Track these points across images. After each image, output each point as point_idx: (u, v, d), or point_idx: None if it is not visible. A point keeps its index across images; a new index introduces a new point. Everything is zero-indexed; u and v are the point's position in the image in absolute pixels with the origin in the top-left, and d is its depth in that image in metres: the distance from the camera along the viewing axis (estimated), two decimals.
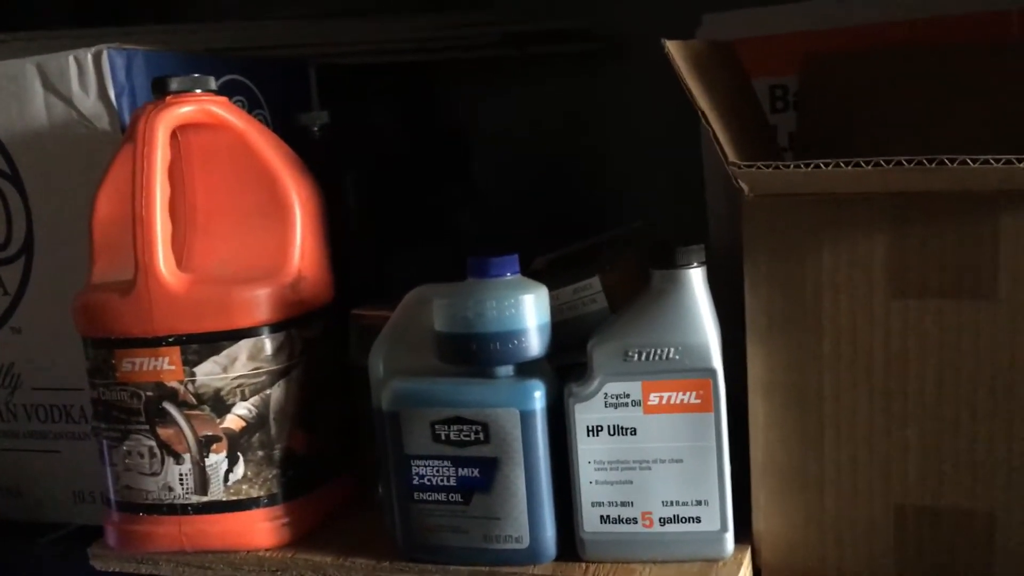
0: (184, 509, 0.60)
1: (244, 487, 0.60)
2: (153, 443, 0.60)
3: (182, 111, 0.61)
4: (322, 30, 0.91)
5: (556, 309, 0.58)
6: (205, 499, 0.60)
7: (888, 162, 0.47)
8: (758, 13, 0.74)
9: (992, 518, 0.52)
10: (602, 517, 0.55)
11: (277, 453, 0.61)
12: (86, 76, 0.66)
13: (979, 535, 0.52)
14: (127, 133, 0.62)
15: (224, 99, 0.63)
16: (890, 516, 0.54)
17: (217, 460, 0.60)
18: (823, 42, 0.71)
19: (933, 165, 0.47)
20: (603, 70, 0.98)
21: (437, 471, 0.56)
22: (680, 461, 0.54)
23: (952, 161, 0.46)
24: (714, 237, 0.74)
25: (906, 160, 0.47)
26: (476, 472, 0.55)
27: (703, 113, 0.52)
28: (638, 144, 0.96)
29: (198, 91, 0.62)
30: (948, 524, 0.53)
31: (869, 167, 0.48)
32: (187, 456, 0.60)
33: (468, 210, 0.95)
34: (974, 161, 0.46)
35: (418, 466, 0.56)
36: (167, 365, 0.59)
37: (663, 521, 0.55)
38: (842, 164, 0.48)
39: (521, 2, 0.97)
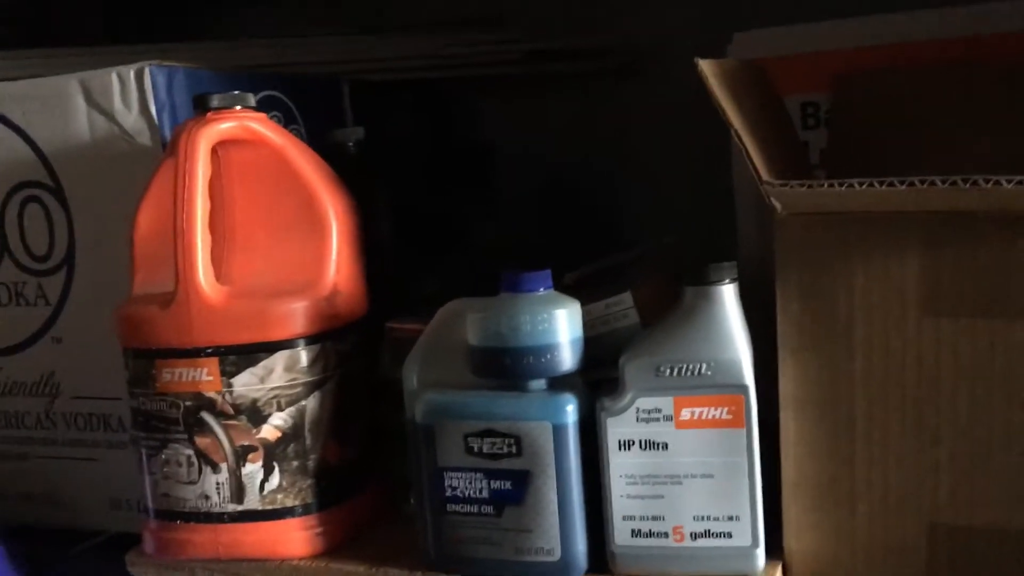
0: (220, 517, 0.61)
1: (279, 496, 0.61)
2: (191, 452, 0.61)
3: (222, 127, 0.62)
4: (353, 47, 0.92)
5: (588, 324, 0.58)
6: (241, 508, 0.61)
7: (922, 182, 0.48)
8: (789, 31, 0.75)
9: None
10: (633, 531, 0.56)
11: (312, 463, 0.62)
12: (128, 92, 0.68)
13: (1012, 555, 0.52)
14: (168, 148, 0.64)
15: (263, 115, 0.65)
16: (922, 535, 0.54)
17: (253, 470, 0.61)
18: (855, 60, 0.71)
19: (967, 185, 0.47)
20: (628, 87, 0.98)
21: (470, 483, 0.57)
22: (711, 476, 0.54)
23: (987, 182, 0.46)
24: (743, 254, 0.74)
25: (940, 180, 0.47)
26: (508, 484, 0.56)
27: (736, 131, 0.52)
28: (665, 160, 0.96)
29: (238, 107, 0.63)
30: (981, 543, 0.53)
31: (903, 187, 0.48)
32: (224, 465, 0.61)
33: (493, 225, 0.96)
34: (1008, 181, 0.46)
35: (451, 478, 0.57)
36: (205, 376, 0.60)
37: (694, 536, 0.55)
38: (876, 184, 0.49)
39: (546, 20, 0.98)
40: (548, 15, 0.98)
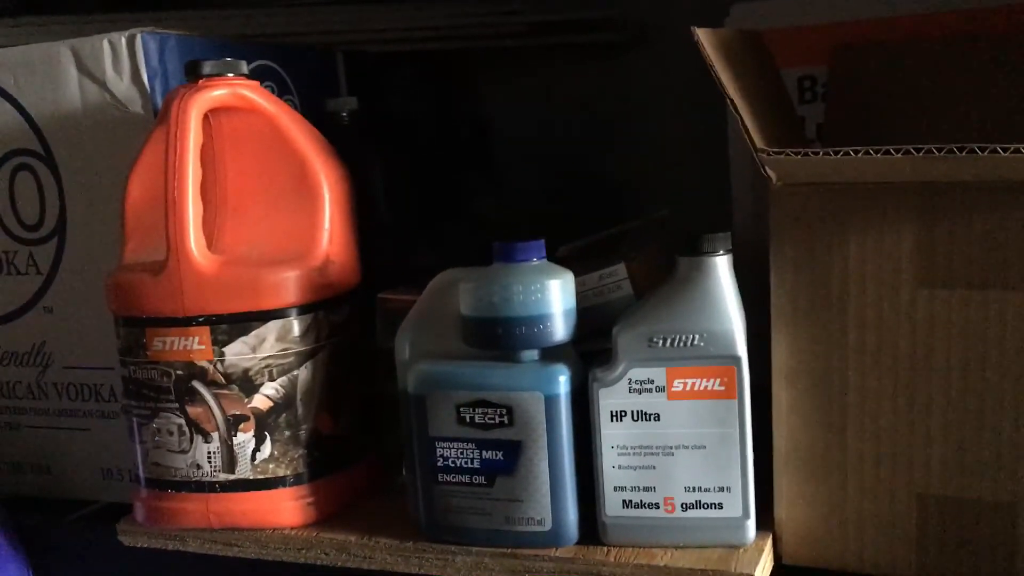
0: (212, 487, 0.61)
1: (271, 466, 0.61)
2: (182, 421, 0.61)
3: (215, 94, 0.61)
4: (350, 17, 0.91)
5: (581, 295, 0.58)
6: (232, 477, 0.61)
7: (918, 150, 0.47)
8: (787, 3, 0.74)
9: (1015, 510, 0.52)
10: (624, 502, 0.56)
11: (303, 433, 0.62)
12: (120, 59, 0.67)
13: (1002, 526, 0.52)
14: (160, 115, 0.63)
15: (255, 83, 0.64)
16: (912, 506, 0.54)
17: (245, 439, 0.61)
18: (853, 33, 0.70)
19: (964, 154, 0.47)
20: (628, 60, 0.98)
21: (461, 453, 0.57)
22: (703, 447, 0.54)
23: (983, 150, 0.46)
24: (738, 226, 0.74)
25: (936, 148, 0.47)
26: (500, 455, 0.56)
27: (731, 100, 0.52)
28: (662, 133, 0.96)
29: (230, 75, 0.62)
30: (970, 515, 0.53)
31: (899, 155, 0.48)
32: (215, 435, 0.61)
33: (491, 198, 0.95)
34: (1005, 150, 0.46)
35: (442, 448, 0.57)
36: (197, 344, 0.60)
37: (685, 507, 0.55)
38: (872, 152, 0.48)
39: None
40: None
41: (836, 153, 0.49)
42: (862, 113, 0.69)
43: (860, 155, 0.49)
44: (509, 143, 0.97)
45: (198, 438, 0.61)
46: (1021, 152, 0.46)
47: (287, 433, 0.61)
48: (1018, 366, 0.51)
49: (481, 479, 0.56)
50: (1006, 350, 0.51)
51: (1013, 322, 0.50)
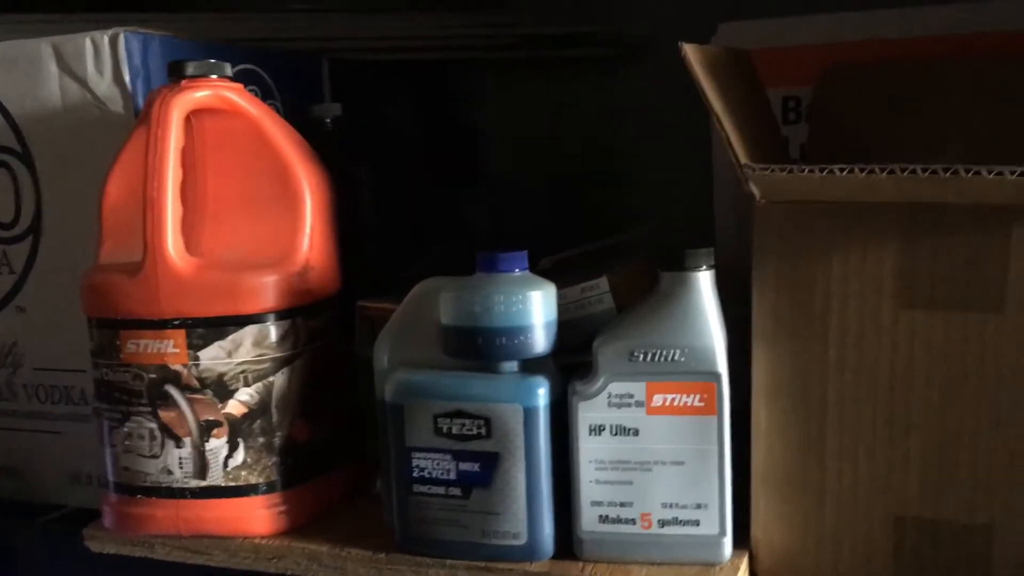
0: (182, 493, 0.60)
1: (243, 473, 0.60)
2: (154, 426, 0.60)
3: (197, 95, 0.61)
4: (339, 25, 0.91)
5: (563, 308, 0.58)
6: (204, 484, 0.60)
7: (902, 170, 0.48)
8: (773, 24, 0.74)
9: (991, 532, 0.52)
10: (601, 517, 0.55)
11: (278, 441, 0.61)
12: (102, 58, 0.67)
13: (978, 548, 0.52)
14: (141, 115, 0.62)
15: (239, 86, 0.63)
16: (889, 527, 0.54)
17: (217, 445, 0.60)
18: (838, 54, 0.71)
19: (947, 175, 0.47)
20: (618, 74, 0.98)
21: (437, 464, 0.56)
22: (681, 464, 0.54)
23: (967, 172, 0.46)
24: (721, 242, 0.73)
25: (920, 169, 0.47)
26: (476, 467, 0.55)
27: (716, 116, 0.52)
28: (650, 149, 0.96)
29: (214, 76, 0.62)
30: (947, 537, 0.53)
31: (883, 175, 0.48)
32: (187, 440, 0.60)
33: (480, 208, 0.95)
34: (988, 172, 0.46)
35: (419, 458, 0.56)
36: (171, 348, 0.59)
37: (662, 523, 0.55)
38: (856, 171, 0.48)
39: (540, 4, 0.98)
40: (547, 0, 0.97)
41: (821, 171, 0.49)
42: (846, 134, 0.69)
43: (845, 173, 0.49)
44: (499, 153, 0.97)
45: (170, 443, 0.60)
46: (1003, 176, 0.46)
47: (261, 440, 0.60)
48: (996, 388, 0.51)
49: (457, 491, 0.56)
50: (985, 372, 0.51)
51: (992, 344, 0.50)
